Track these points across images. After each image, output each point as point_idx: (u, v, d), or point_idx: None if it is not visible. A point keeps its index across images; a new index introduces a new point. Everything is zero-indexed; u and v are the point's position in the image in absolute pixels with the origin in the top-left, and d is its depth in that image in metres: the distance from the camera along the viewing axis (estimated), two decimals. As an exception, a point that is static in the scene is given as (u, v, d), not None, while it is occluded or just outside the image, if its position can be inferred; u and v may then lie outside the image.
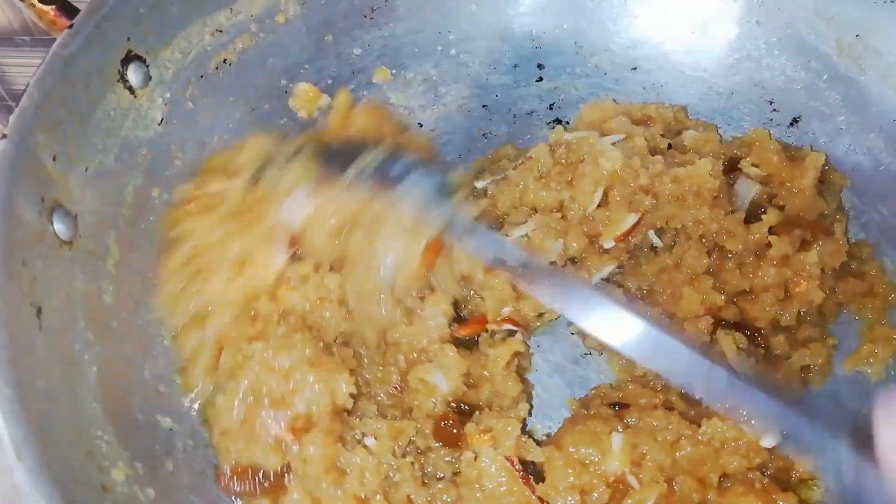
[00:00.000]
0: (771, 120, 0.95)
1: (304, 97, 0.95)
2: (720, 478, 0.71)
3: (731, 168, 0.88)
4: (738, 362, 0.77)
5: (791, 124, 0.94)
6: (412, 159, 0.80)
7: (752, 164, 0.87)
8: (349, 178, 0.77)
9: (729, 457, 0.71)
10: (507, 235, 0.84)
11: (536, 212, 0.86)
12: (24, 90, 0.64)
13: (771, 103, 0.95)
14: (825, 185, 0.88)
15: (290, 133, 0.92)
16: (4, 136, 0.61)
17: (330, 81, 0.97)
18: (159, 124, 0.79)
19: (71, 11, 0.73)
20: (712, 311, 0.80)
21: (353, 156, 0.79)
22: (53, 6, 0.72)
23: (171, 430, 0.70)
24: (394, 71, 0.99)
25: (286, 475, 0.70)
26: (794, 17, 0.92)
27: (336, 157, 0.80)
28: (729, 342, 0.77)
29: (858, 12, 0.87)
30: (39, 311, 0.58)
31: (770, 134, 0.91)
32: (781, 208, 0.86)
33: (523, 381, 0.82)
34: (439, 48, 1.01)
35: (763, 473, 0.72)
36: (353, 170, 0.77)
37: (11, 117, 0.62)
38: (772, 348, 0.81)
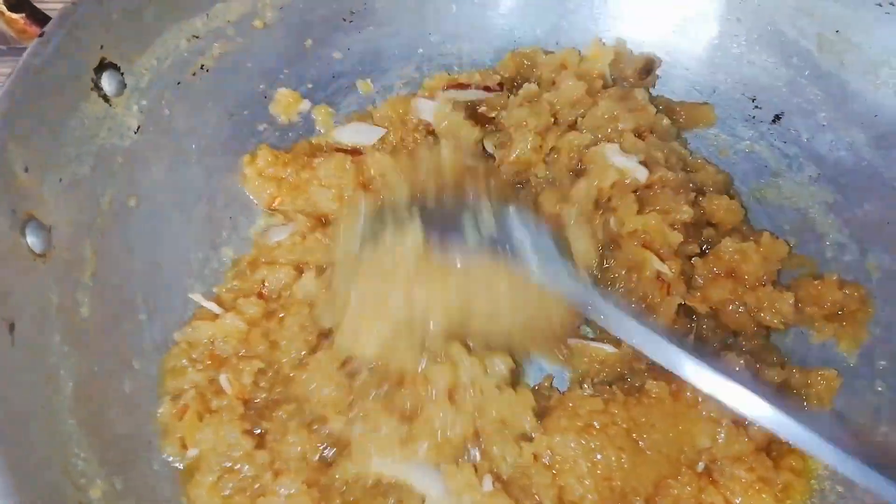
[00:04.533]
0: (753, 117, 0.95)
1: (284, 102, 0.94)
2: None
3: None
4: None
5: (773, 121, 0.94)
6: (522, 218, 0.77)
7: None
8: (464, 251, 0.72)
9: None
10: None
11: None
12: (-6, 100, 0.63)
13: (753, 100, 0.95)
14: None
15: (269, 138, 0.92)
16: (-26, 148, 0.60)
17: (310, 86, 0.96)
18: (135, 132, 0.78)
19: (42, 19, 0.71)
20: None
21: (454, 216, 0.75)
22: (23, 14, 0.70)
23: (150, 442, 0.69)
24: (373, 77, 0.99)
25: None
26: (775, 13, 0.91)
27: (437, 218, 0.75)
28: None
29: (838, 8, 0.87)
30: (12, 326, 0.57)
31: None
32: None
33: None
34: (420, 50, 1.00)
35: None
36: (469, 239, 0.73)
37: (-20, 129, 0.61)
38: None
